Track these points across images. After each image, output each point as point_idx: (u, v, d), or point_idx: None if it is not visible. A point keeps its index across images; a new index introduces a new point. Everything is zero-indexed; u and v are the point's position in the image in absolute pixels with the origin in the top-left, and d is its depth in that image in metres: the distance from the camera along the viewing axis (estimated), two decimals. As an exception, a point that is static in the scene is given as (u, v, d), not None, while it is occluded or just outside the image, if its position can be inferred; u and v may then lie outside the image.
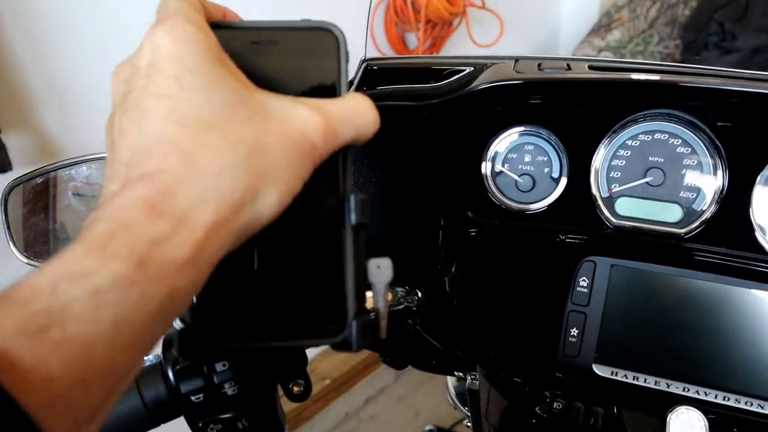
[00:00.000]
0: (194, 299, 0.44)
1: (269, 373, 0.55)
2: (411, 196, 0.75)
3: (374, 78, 0.75)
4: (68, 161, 0.66)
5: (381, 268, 0.48)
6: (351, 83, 0.75)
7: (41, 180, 0.67)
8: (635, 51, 3.02)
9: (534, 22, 3.32)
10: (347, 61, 0.47)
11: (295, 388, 0.56)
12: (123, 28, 1.75)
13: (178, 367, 0.54)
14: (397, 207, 0.75)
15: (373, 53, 0.76)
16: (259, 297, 0.45)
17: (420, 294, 0.71)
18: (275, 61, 0.46)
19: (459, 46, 2.72)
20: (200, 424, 0.55)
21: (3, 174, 1.48)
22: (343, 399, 2.73)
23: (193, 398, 0.54)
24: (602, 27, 3.13)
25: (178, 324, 0.45)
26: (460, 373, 0.94)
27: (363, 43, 0.73)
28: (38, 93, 1.64)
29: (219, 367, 0.53)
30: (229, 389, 0.54)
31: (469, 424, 1.09)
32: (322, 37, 0.46)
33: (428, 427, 1.96)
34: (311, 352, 2.19)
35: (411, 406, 2.70)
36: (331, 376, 2.68)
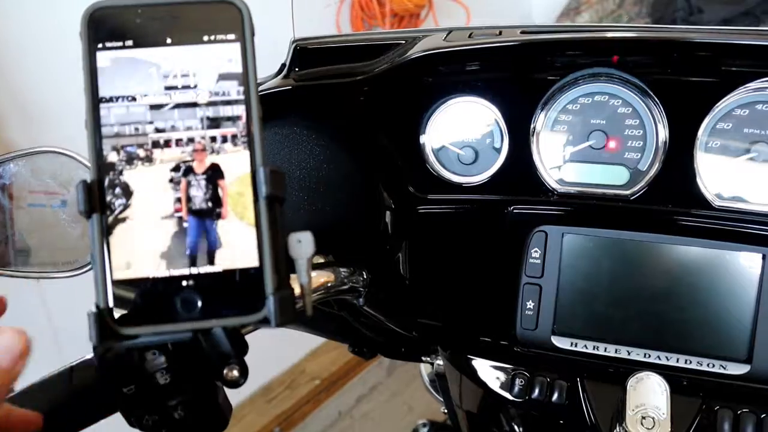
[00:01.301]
0: (111, 282, 0.42)
1: (203, 360, 0.53)
2: (353, 176, 0.74)
3: (306, 59, 0.73)
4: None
5: (302, 243, 0.46)
6: (283, 66, 0.73)
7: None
8: (605, 32, 3.02)
9: (503, 9, 3.31)
10: (252, 32, 0.45)
11: (230, 374, 0.54)
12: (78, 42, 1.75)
13: (107, 356, 0.52)
14: (340, 187, 0.74)
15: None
16: (177, 278, 0.44)
17: (365, 274, 0.70)
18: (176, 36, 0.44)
19: (428, 37, 2.72)
20: (134, 418, 0.53)
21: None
22: (335, 398, 2.72)
23: (124, 390, 0.52)
24: (571, 10, 3.13)
25: (92, 309, 0.44)
26: (428, 359, 0.93)
27: (292, 24, 0.71)
28: (2, 109, 1.64)
29: (150, 355, 0.51)
30: (161, 378, 0.52)
31: (445, 411, 1.07)
32: (226, 10, 0.45)
33: (421, 421, 1.94)
34: (300, 354, 2.18)
35: (403, 402, 2.69)
36: (321, 377, 2.67)
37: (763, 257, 0.65)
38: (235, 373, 0.54)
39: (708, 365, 0.68)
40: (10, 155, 0.64)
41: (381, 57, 0.71)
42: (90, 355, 0.59)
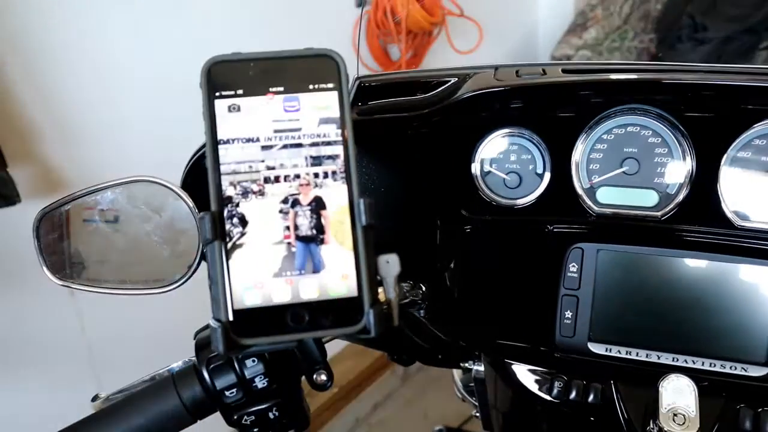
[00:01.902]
0: (231, 301, 0.50)
1: (295, 366, 0.61)
2: (410, 199, 0.81)
3: (367, 94, 0.81)
4: (92, 188, 0.72)
5: (390, 263, 0.54)
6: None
7: (67, 207, 0.72)
8: (612, 47, 3.10)
9: (512, 26, 3.40)
10: (348, 82, 0.53)
11: (319, 378, 0.62)
12: (115, 65, 1.83)
13: (212, 366, 0.59)
14: (399, 209, 0.81)
15: (358, 68, 0.83)
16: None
17: (424, 288, 0.77)
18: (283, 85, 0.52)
19: (440, 54, 2.79)
20: (235, 417, 0.61)
21: (12, 206, 1.53)
22: (352, 406, 2.77)
23: (227, 393, 0.59)
24: (578, 26, 3.21)
25: (213, 323, 0.51)
26: (466, 365, 1.00)
27: (353, 62, 0.79)
28: (41, 127, 1.70)
29: (249, 363, 0.59)
30: (259, 383, 0.59)
31: (477, 414, 1.14)
32: (324, 63, 0.52)
33: (437, 428, 2.00)
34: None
35: (419, 409, 2.74)
36: (339, 384, 2.72)
37: (780, 271, 0.72)
38: (323, 377, 0.62)
39: (731, 368, 0.75)
40: (107, 184, 0.71)
41: (435, 92, 0.78)
42: (178, 363, 0.65)
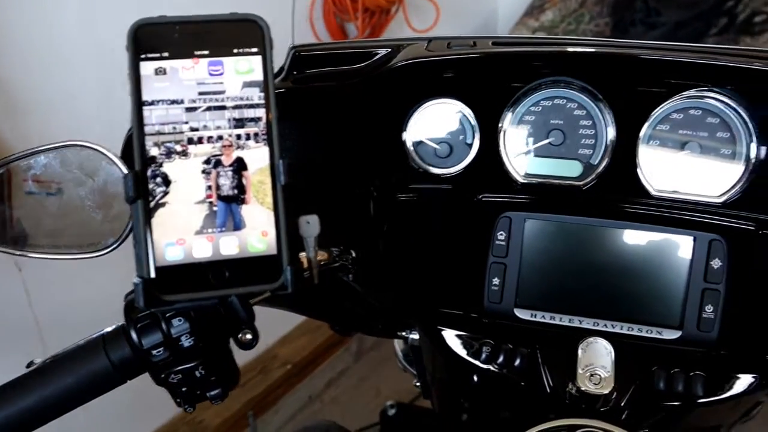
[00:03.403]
0: (153, 258, 0.51)
1: (221, 325, 0.62)
2: (344, 167, 0.83)
3: (302, 63, 0.82)
4: (25, 152, 0.72)
5: (310, 224, 0.56)
6: (281, 69, 0.83)
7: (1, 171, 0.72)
8: (568, 30, 3.14)
9: (471, 7, 3.42)
10: (271, 47, 0.54)
11: (244, 337, 0.63)
12: (60, 33, 1.80)
13: (139, 325, 0.61)
14: (332, 176, 0.83)
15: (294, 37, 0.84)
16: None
17: (354, 253, 0.79)
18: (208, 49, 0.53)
19: (398, 32, 2.80)
20: (162, 376, 0.62)
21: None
22: (306, 383, 2.80)
23: (154, 352, 0.60)
24: (535, 8, 3.24)
25: (136, 279, 0.52)
26: (402, 333, 1.02)
27: (291, 32, 0.80)
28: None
29: (176, 322, 0.60)
30: (185, 341, 0.60)
31: (418, 384, 1.17)
32: (249, 27, 0.54)
33: (389, 403, 2.03)
34: (271, 340, 2.23)
35: (372, 386, 2.77)
36: (293, 361, 2.75)
37: (694, 239, 0.76)
38: (249, 336, 0.63)
39: (647, 331, 0.78)
40: (41, 148, 0.71)
41: (367, 63, 0.80)
42: (111, 327, 0.66)
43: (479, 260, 0.82)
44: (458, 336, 0.85)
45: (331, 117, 0.82)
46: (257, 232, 0.54)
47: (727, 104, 0.74)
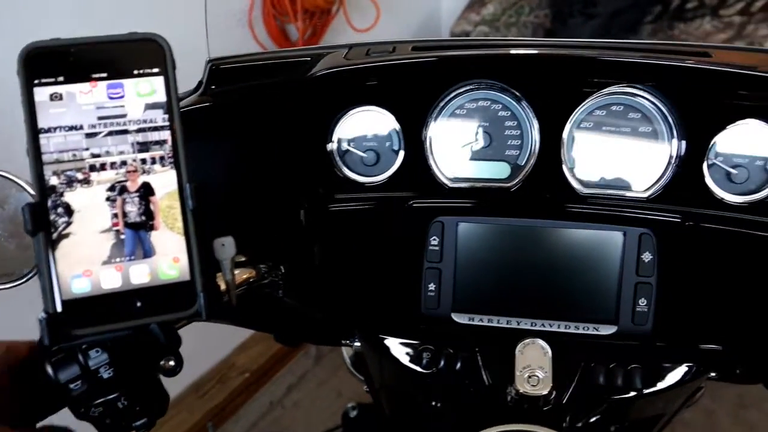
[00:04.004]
0: (59, 290, 0.49)
1: (141, 354, 0.60)
2: (270, 181, 0.81)
3: (221, 77, 0.80)
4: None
5: (225, 246, 0.55)
6: (200, 83, 0.80)
7: None
8: (509, 22, 3.17)
9: (412, 3, 3.42)
10: (174, 66, 0.52)
11: (167, 365, 0.61)
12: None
13: (54, 359, 0.58)
14: (257, 192, 0.81)
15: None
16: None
17: (283, 269, 0.77)
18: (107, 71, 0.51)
19: (339, 33, 2.78)
20: (83, 410, 0.59)
21: None
22: (266, 389, 2.77)
23: (71, 386, 0.58)
24: (476, 2, 3.26)
25: (41, 315, 0.50)
26: (347, 341, 1.01)
27: (206, 44, 0.78)
28: None
29: (93, 353, 0.57)
30: (104, 373, 0.58)
31: (368, 390, 1.16)
32: (149, 47, 0.52)
33: (350, 405, 2.02)
34: (229, 349, 2.18)
35: (332, 388, 2.76)
36: (250, 369, 2.71)
37: (624, 234, 0.77)
38: (171, 363, 0.61)
39: (584, 328, 0.79)
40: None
41: (288, 74, 0.78)
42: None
43: (414, 267, 0.81)
44: (399, 343, 0.85)
45: (254, 131, 0.80)
46: (168, 258, 0.52)
47: (648, 99, 0.74)
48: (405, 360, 0.83)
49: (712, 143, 0.75)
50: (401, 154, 0.80)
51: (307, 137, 0.80)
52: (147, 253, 0.52)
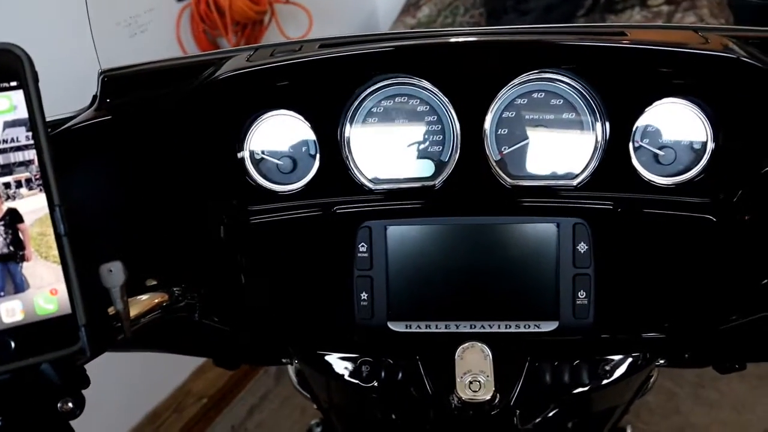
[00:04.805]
0: None
1: (33, 398, 0.54)
2: (179, 197, 0.76)
3: (116, 88, 0.74)
4: None
5: (113, 272, 0.49)
6: (95, 97, 0.75)
7: None
8: (445, 24, 3.16)
9: (347, 9, 3.39)
10: (36, 78, 0.47)
11: (64, 407, 0.55)
12: None
13: None
14: (168, 209, 0.76)
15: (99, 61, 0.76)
16: None
17: (200, 290, 0.72)
18: None
19: (274, 42, 2.73)
20: None
21: None
22: (226, 414, 2.68)
23: None
24: (412, 5, 3.25)
25: None
26: (286, 360, 0.96)
27: (96, 55, 0.72)
28: None
29: None
30: None
31: (315, 406, 1.11)
32: (6, 58, 0.46)
33: (314, 421, 1.97)
34: (183, 375, 2.10)
35: (296, 406, 2.69)
36: (208, 394, 2.63)
37: (557, 226, 0.74)
38: (70, 405, 0.55)
39: (525, 326, 0.76)
40: None
41: (188, 81, 0.73)
42: None
43: (345, 276, 0.77)
44: (337, 358, 0.81)
45: (157, 143, 0.74)
46: (45, 291, 0.46)
47: (567, 84, 0.72)
48: (344, 374, 0.79)
49: (636, 125, 0.73)
50: (317, 158, 0.75)
51: (215, 146, 0.75)
52: (19, 287, 0.46)
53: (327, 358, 0.81)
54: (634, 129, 0.73)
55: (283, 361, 0.98)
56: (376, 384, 0.78)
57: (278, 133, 0.75)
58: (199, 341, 0.87)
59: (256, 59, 0.72)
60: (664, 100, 0.72)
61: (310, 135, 0.75)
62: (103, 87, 0.74)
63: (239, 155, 0.75)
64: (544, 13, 2.84)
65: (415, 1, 3.29)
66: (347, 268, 0.76)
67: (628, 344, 0.78)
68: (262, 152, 0.76)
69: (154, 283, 0.68)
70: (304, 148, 0.75)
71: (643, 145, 0.73)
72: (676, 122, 0.73)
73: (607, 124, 0.72)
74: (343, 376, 0.80)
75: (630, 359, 0.78)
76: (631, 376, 0.79)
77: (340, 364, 0.80)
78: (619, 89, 0.71)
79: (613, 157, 0.73)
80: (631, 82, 0.71)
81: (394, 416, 0.83)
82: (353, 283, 0.76)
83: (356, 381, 0.79)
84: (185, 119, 0.73)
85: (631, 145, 0.73)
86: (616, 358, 0.77)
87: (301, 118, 0.73)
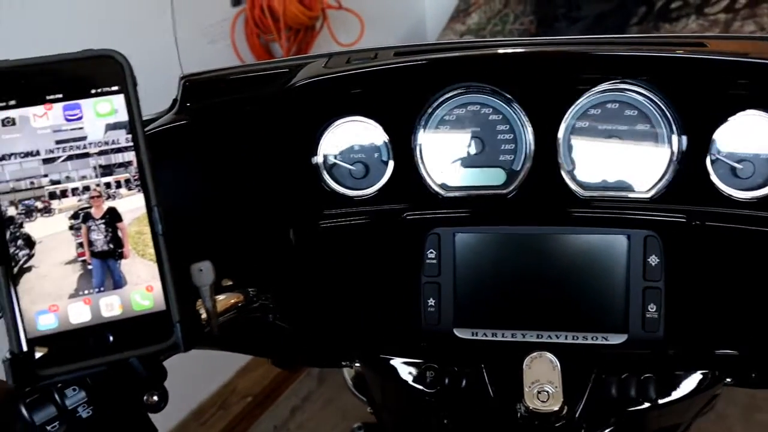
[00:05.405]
0: (23, 327, 0.45)
1: (122, 390, 0.56)
2: (254, 200, 0.77)
3: (196, 93, 0.76)
4: None
5: (203, 271, 0.51)
6: (175, 101, 0.77)
7: None
8: (494, 31, 3.15)
9: (397, 15, 3.40)
10: (135, 82, 0.49)
11: (150, 400, 0.57)
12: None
13: (28, 400, 0.54)
14: (241, 212, 0.77)
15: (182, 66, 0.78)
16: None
17: (271, 294, 0.73)
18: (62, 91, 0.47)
19: (325, 48, 2.75)
20: None
21: None
22: (269, 413, 2.71)
23: (48, 428, 0.54)
24: (461, 12, 3.25)
25: (6, 355, 0.46)
26: (346, 363, 0.97)
27: (178, 59, 0.74)
28: None
29: (70, 392, 0.54)
30: (83, 412, 0.54)
31: (371, 410, 1.12)
32: (107, 64, 0.48)
33: (356, 425, 1.98)
34: (229, 373, 2.14)
35: (337, 409, 2.71)
36: (253, 393, 2.66)
37: (628, 238, 0.73)
38: (155, 398, 0.57)
39: (593, 338, 0.75)
40: None
41: (266, 87, 0.75)
42: None
43: (412, 282, 0.77)
44: (401, 363, 0.81)
45: (234, 147, 0.76)
46: (141, 287, 0.48)
47: (643, 95, 0.71)
48: (408, 380, 0.80)
49: (713, 137, 0.71)
50: (391, 164, 0.76)
51: (290, 151, 0.76)
52: (117, 283, 0.48)
53: (391, 362, 0.81)
54: (711, 141, 0.71)
55: (343, 363, 0.99)
56: (438, 390, 0.78)
57: (351, 139, 0.76)
58: (263, 341, 0.89)
59: (333, 66, 0.74)
60: (744, 112, 0.70)
61: (383, 141, 0.76)
62: (184, 91, 0.76)
63: (313, 160, 0.76)
64: (596, 21, 2.81)
65: (464, 8, 3.29)
66: (414, 273, 0.77)
67: (697, 361, 0.77)
68: (335, 157, 0.77)
69: (230, 283, 0.69)
70: (376, 154, 0.76)
71: (720, 157, 0.72)
72: (755, 134, 0.72)
73: (684, 137, 0.71)
74: (406, 381, 0.80)
75: (698, 376, 0.76)
76: (698, 394, 0.77)
77: (404, 368, 0.80)
78: (697, 101, 0.70)
79: (689, 169, 0.72)
80: (710, 94, 0.70)
81: (454, 424, 0.82)
82: (420, 288, 0.77)
83: (420, 386, 0.79)
84: (263, 124, 0.75)
85: (708, 157, 0.72)
86: (685, 374, 0.76)
87: (376, 124, 0.74)
